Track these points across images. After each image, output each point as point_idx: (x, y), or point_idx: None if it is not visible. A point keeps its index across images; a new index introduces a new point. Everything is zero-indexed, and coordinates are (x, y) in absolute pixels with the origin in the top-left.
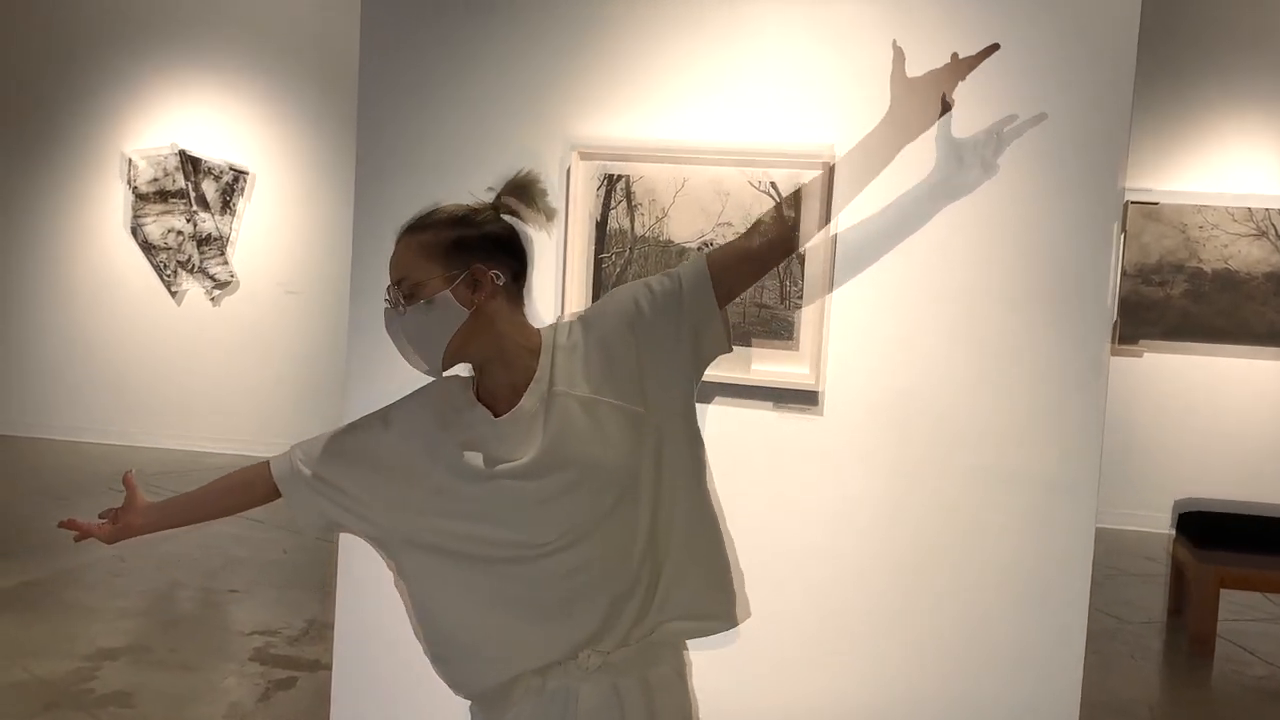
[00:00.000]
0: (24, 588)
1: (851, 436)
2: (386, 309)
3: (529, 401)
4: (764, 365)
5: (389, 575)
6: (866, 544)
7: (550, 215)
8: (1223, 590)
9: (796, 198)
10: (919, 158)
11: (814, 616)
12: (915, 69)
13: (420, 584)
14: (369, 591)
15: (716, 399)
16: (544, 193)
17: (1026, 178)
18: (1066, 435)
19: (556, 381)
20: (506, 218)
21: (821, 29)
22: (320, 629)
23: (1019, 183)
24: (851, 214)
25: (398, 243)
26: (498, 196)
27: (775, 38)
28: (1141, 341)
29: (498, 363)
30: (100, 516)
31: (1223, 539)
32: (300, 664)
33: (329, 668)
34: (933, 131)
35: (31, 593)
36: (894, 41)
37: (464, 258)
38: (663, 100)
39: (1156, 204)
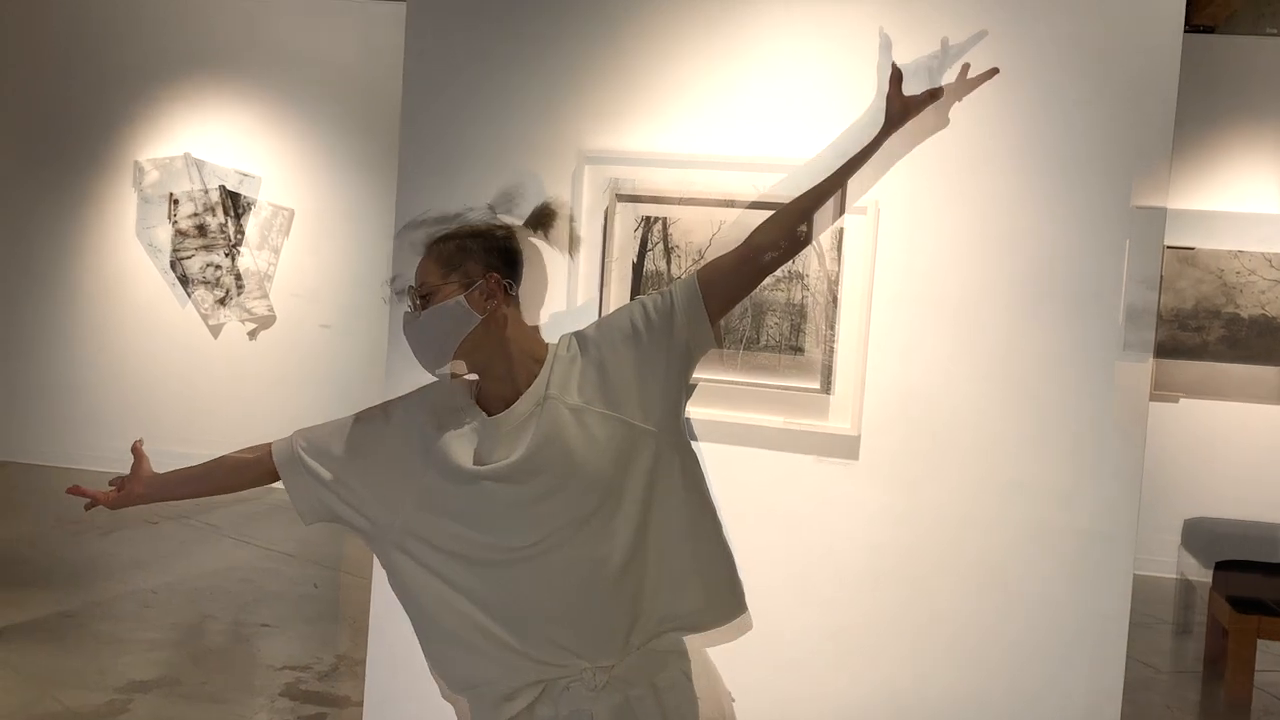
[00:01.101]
0: (56, 619)
1: (887, 484)
2: (406, 313)
3: (523, 405)
4: (799, 412)
5: None
6: (901, 593)
7: (573, 243)
8: (1260, 641)
9: (785, 211)
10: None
11: (850, 665)
12: (951, 109)
13: (410, 581)
14: (401, 628)
15: (748, 444)
16: (567, 221)
17: (1065, 227)
18: (1105, 486)
19: (551, 388)
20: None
21: (861, 63)
22: (351, 665)
23: (1057, 232)
24: (877, 256)
25: (425, 250)
26: (525, 221)
27: (821, 71)
28: (1177, 387)
29: (502, 368)
30: (110, 485)
31: (1260, 589)
32: (330, 700)
33: (359, 704)
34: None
35: (63, 624)
36: (893, 63)
37: (481, 267)
38: (691, 125)
39: (1193, 249)
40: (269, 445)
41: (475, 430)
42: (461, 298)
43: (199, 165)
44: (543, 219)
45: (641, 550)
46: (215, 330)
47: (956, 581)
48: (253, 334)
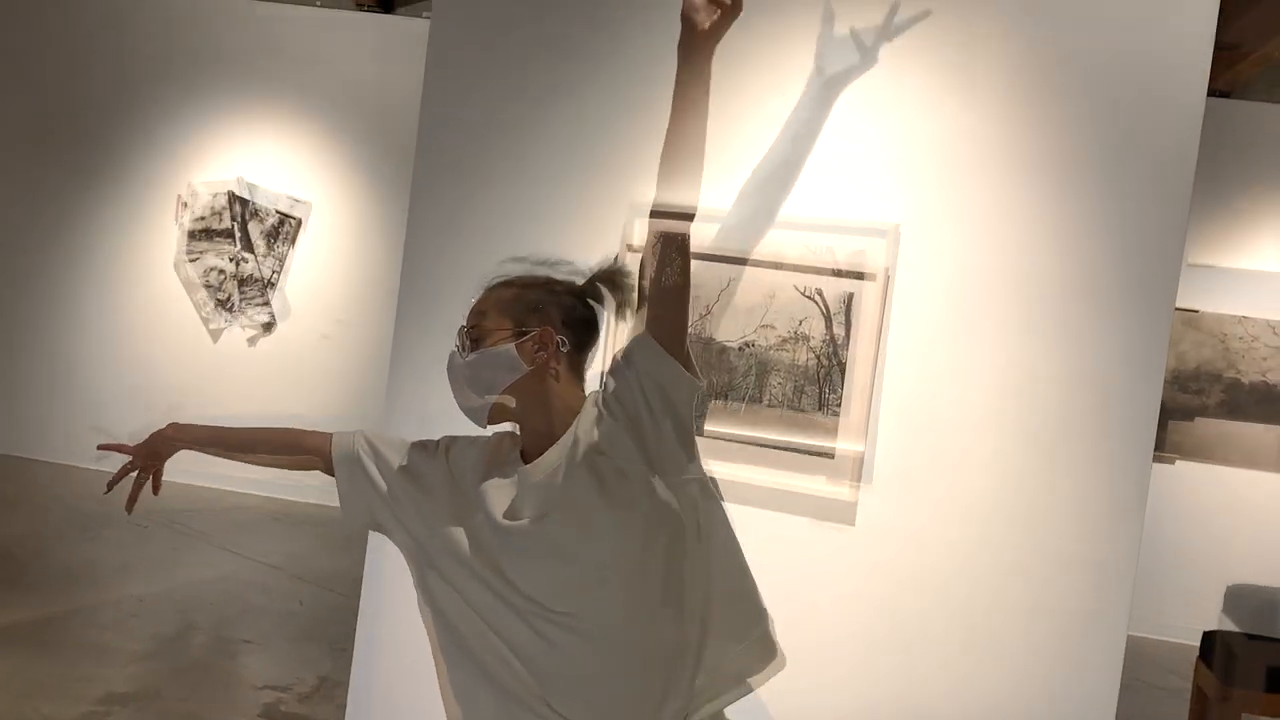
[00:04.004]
0: (41, 623)
1: (883, 553)
2: (452, 351)
3: (550, 457)
4: (799, 475)
5: (407, 637)
6: (892, 660)
7: (635, 306)
8: (1245, 715)
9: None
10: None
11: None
12: (977, 153)
13: (445, 606)
14: (386, 652)
15: (751, 504)
16: (631, 286)
17: (1073, 296)
18: (1100, 564)
19: (576, 439)
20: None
21: (884, 104)
22: (332, 687)
23: (1065, 301)
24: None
25: (483, 293)
26: (588, 280)
27: (840, 116)
28: (1174, 449)
29: (541, 422)
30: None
31: (1247, 661)
32: None
33: None
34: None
35: (47, 629)
36: None
37: (537, 319)
38: (721, 175)
39: (1197, 311)
40: (328, 435)
41: (514, 482)
42: (512, 346)
43: (238, 200)
44: (606, 281)
45: (680, 605)
46: (215, 335)
47: (945, 649)
48: (252, 341)
